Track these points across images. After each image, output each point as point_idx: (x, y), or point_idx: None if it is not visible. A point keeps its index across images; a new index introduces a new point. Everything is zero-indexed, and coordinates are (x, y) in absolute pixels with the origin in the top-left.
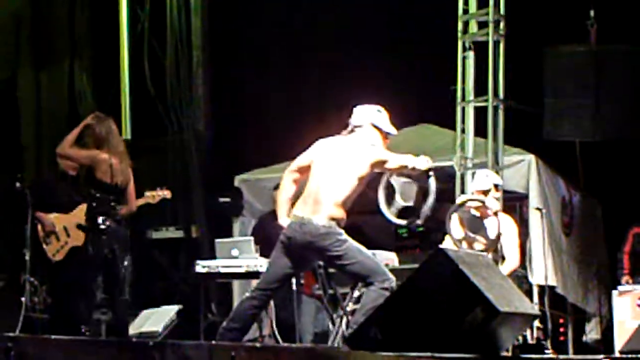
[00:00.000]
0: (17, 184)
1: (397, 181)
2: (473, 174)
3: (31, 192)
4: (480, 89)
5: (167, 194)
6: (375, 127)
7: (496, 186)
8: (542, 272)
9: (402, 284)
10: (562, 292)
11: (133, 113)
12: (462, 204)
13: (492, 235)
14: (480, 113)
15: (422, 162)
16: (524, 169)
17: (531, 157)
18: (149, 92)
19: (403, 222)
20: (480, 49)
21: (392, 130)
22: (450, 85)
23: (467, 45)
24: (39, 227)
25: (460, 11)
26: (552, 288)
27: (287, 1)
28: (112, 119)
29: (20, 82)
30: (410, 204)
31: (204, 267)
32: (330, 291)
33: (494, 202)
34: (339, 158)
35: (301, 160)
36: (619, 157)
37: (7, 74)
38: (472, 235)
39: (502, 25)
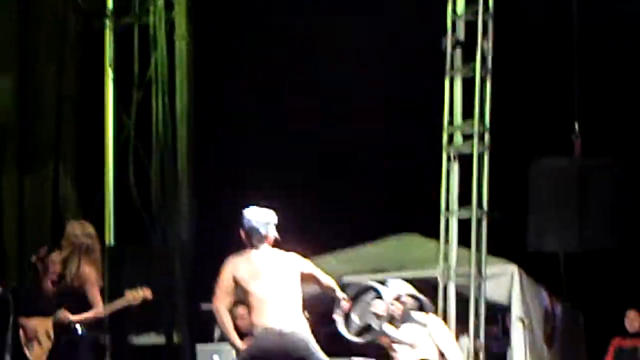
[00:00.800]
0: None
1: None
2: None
3: (13, 298)
4: (465, 200)
5: (147, 294)
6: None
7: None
8: None
9: None
10: None
11: (117, 220)
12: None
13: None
14: (464, 223)
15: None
16: (506, 280)
17: (514, 268)
18: (133, 201)
19: (363, 340)
20: (464, 160)
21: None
22: (434, 196)
23: (451, 156)
24: (22, 332)
25: (445, 122)
26: None
27: (270, 114)
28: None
29: (3, 187)
30: (368, 322)
31: None
32: None
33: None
34: (275, 271)
35: (225, 285)
36: (602, 268)
37: None
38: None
39: (486, 137)
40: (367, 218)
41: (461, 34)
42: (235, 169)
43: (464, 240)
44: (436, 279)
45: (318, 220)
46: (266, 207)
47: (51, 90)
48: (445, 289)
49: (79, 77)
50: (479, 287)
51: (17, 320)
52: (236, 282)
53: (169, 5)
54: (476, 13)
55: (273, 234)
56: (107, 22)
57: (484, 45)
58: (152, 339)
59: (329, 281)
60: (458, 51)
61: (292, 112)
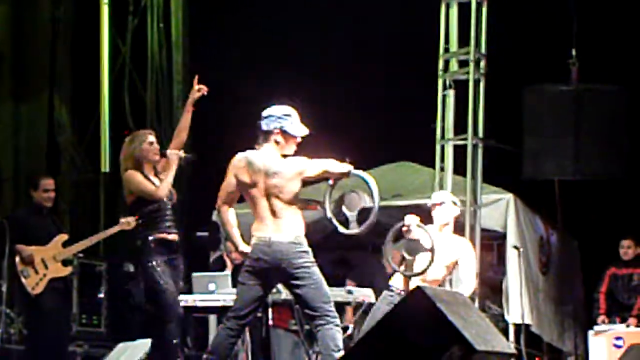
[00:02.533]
0: None
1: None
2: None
3: (9, 225)
4: (460, 128)
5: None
6: (285, 132)
7: (454, 202)
8: (519, 310)
9: (378, 322)
10: (537, 331)
11: (113, 146)
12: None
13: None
14: (460, 151)
15: (343, 166)
16: (502, 208)
17: (509, 196)
18: (128, 125)
19: (355, 230)
20: (460, 87)
21: (303, 131)
22: (430, 123)
23: (447, 83)
24: (17, 259)
25: (441, 50)
26: (528, 327)
27: (264, 38)
28: None
29: (1, 114)
30: (355, 212)
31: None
32: (307, 327)
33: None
34: (269, 174)
35: (227, 187)
36: (598, 196)
37: None
38: (409, 257)
39: (482, 64)
40: (362, 147)
41: None
42: (231, 92)
43: (459, 168)
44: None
45: (312, 149)
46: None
47: (46, 16)
48: None
49: (74, 3)
50: (474, 215)
51: (12, 247)
52: (237, 182)
53: None
54: None
55: (277, 129)
56: None
57: None
58: None
59: (336, 167)
60: None
61: (289, 33)
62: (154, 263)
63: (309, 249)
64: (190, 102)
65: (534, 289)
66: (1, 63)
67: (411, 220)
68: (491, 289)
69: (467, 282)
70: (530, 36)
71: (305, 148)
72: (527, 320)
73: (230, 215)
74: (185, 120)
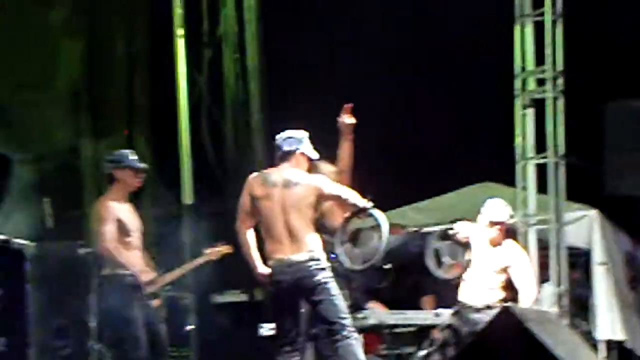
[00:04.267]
0: (80, 251)
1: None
2: (536, 230)
3: (96, 259)
4: (541, 146)
5: (227, 248)
6: (303, 154)
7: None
8: (608, 327)
9: (469, 343)
10: (630, 345)
11: (194, 177)
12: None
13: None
14: (541, 170)
15: (361, 200)
16: (586, 225)
17: (594, 212)
18: (207, 156)
19: (362, 266)
20: (539, 105)
21: (316, 155)
22: (511, 143)
23: (525, 102)
24: None
25: (517, 69)
26: (618, 343)
27: (339, 66)
28: None
29: (81, 151)
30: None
31: (268, 329)
32: (397, 351)
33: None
34: (288, 185)
35: (244, 205)
36: None
37: (69, 144)
38: (450, 262)
39: (560, 81)
40: (445, 169)
41: None
42: (308, 122)
43: (542, 187)
44: (515, 226)
45: (395, 173)
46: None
47: (122, 52)
48: (525, 236)
49: (150, 38)
50: (558, 233)
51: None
52: (253, 201)
53: None
54: None
55: (298, 150)
56: None
57: None
58: (234, 296)
59: (354, 199)
60: None
61: (361, 64)
62: None
63: (327, 264)
64: (347, 132)
65: (623, 304)
66: (79, 102)
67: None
68: (579, 306)
69: (525, 290)
70: (608, 51)
71: (390, 167)
72: (619, 336)
73: (248, 236)
74: (347, 148)
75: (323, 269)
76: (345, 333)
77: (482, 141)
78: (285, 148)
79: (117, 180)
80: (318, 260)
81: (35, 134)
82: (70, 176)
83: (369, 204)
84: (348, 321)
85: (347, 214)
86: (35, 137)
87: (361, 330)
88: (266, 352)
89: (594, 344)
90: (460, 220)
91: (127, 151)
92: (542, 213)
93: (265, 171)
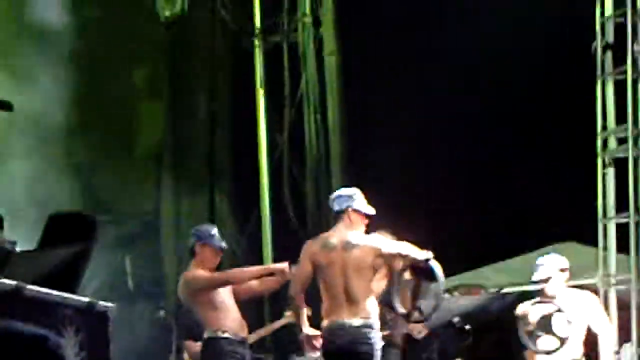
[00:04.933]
0: (161, 313)
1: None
2: (616, 290)
3: (176, 321)
4: (622, 205)
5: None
6: (356, 211)
7: (562, 270)
8: None
9: None
10: None
11: (274, 238)
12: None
13: (562, 333)
14: (622, 229)
15: (421, 252)
16: None
17: None
18: (289, 217)
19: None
20: (621, 164)
21: (371, 210)
22: (592, 202)
23: (606, 161)
24: (185, 356)
25: (599, 128)
26: None
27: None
28: None
29: (162, 211)
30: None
31: None
32: None
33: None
34: (348, 248)
35: (303, 273)
36: None
37: (151, 206)
38: (542, 334)
39: None
40: (524, 228)
41: (610, 36)
42: (388, 181)
43: (622, 246)
44: (596, 286)
45: (475, 233)
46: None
47: (204, 112)
48: (605, 295)
49: (231, 98)
50: (639, 293)
51: (181, 343)
52: (314, 267)
53: (316, 22)
54: (625, 14)
55: (350, 207)
56: (256, 41)
57: (635, 46)
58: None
59: (414, 253)
60: (608, 54)
61: (437, 120)
62: None
63: (379, 331)
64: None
65: None
66: (161, 164)
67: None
68: None
69: (606, 332)
70: None
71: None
72: None
73: (302, 301)
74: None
75: (374, 336)
76: None
77: (564, 200)
78: (336, 208)
79: (197, 255)
80: (372, 327)
81: (117, 196)
82: (151, 236)
83: (429, 254)
84: None
85: (404, 263)
86: (118, 199)
87: None
88: None
89: None
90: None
91: (212, 227)
92: (623, 273)
93: (323, 235)
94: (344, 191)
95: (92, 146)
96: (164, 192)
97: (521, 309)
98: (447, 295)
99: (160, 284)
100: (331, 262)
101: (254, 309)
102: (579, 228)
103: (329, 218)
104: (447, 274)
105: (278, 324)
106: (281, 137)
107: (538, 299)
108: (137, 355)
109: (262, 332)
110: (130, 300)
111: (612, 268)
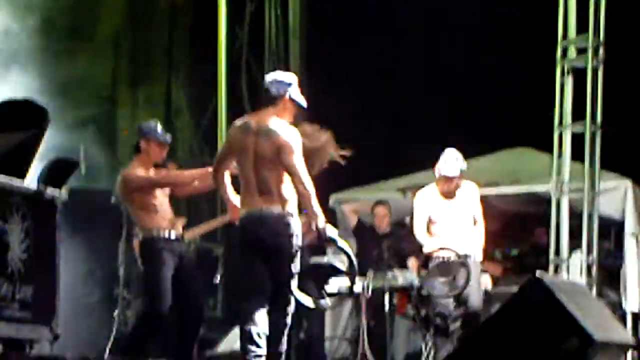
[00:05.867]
0: (112, 199)
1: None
2: (569, 198)
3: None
4: (579, 114)
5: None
6: (292, 100)
7: (461, 172)
8: (637, 299)
9: (497, 311)
10: None
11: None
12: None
13: (460, 281)
14: (578, 138)
15: (319, 215)
16: (620, 194)
17: (628, 183)
18: (245, 111)
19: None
20: (578, 73)
21: (304, 102)
22: (548, 110)
23: (565, 70)
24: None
25: (559, 36)
26: None
27: (382, 23)
28: None
29: (118, 100)
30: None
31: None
32: (423, 312)
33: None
34: (257, 139)
35: (223, 150)
36: None
37: (108, 93)
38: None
39: (601, 51)
40: (480, 132)
41: None
42: (348, 79)
43: (577, 155)
44: (549, 193)
45: (429, 134)
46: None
47: (164, 2)
48: (558, 203)
49: None
50: (592, 202)
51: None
52: (230, 148)
53: None
54: None
55: (289, 95)
56: None
57: None
58: None
59: (301, 189)
60: None
61: (402, 19)
62: None
63: (298, 224)
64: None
65: None
66: (119, 51)
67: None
68: (608, 276)
69: (481, 225)
70: None
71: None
72: None
73: (225, 178)
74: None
75: (293, 226)
76: (285, 310)
77: (520, 107)
78: (274, 92)
79: (142, 150)
80: (291, 216)
81: (74, 80)
82: (106, 123)
83: (323, 225)
84: (287, 301)
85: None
86: (75, 83)
87: (390, 289)
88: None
89: (622, 315)
90: (492, 184)
91: (155, 123)
92: (576, 181)
93: (249, 116)
94: (283, 75)
95: (52, 31)
96: (122, 79)
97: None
98: (400, 196)
99: (114, 170)
100: (245, 147)
101: (207, 200)
102: (536, 135)
103: None
104: (403, 173)
105: (215, 222)
106: (241, 30)
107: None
108: (88, 242)
109: (198, 230)
110: (83, 186)
111: (566, 176)
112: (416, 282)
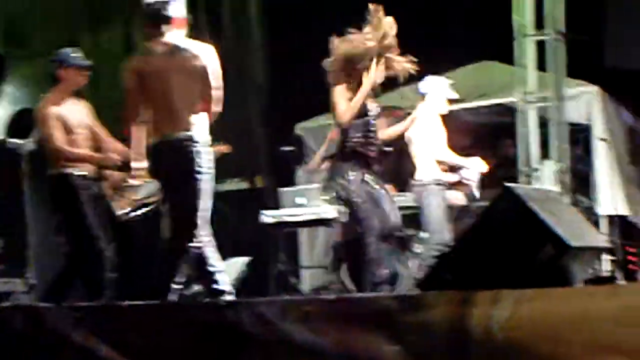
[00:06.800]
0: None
1: None
2: (536, 108)
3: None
4: (540, 22)
5: (225, 149)
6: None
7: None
8: (610, 202)
9: (469, 227)
10: (634, 219)
11: None
12: None
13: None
14: (542, 46)
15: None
16: (587, 100)
17: (594, 88)
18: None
19: None
20: None
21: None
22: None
23: None
24: (106, 184)
25: None
26: (620, 218)
27: None
28: None
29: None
30: None
31: (269, 216)
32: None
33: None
34: (169, 59)
35: (130, 90)
36: None
37: (68, 37)
38: None
39: None
40: (443, 47)
41: None
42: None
43: (541, 64)
44: (516, 104)
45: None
46: None
47: None
48: (525, 114)
49: None
50: (559, 110)
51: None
52: (139, 81)
53: None
54: None
55: (183, 14)
56: None
57: None
58: (234, 185)
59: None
60: None
61: None
62: None
63: (208, 146)
64: None
65: (625, 179)
66: None
67: None
68: (580, 182)
69: None
70: None
71: None
72: (621, 211)
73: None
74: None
75: (200, 152)
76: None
77: (478, 18)
78: (171, 11)
79: (62, 80)
80: (197, 141)
81: (31, 29)
82: None
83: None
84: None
85: None
86: (34, 32)
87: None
88: (269, 240)
89: (595, 220)
90: (459, 100)
91: (70, 49)
92: (542, 90)
93: (147, 45)
94: None
95: None
96: (81, 24)
97: None
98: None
99: None
100: (154, 70)
101: None
102: (501, 46)
103: (246, 37)
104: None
105: None
106: None
107: None
108: None
109: None
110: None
111: (531, 86)
112: None
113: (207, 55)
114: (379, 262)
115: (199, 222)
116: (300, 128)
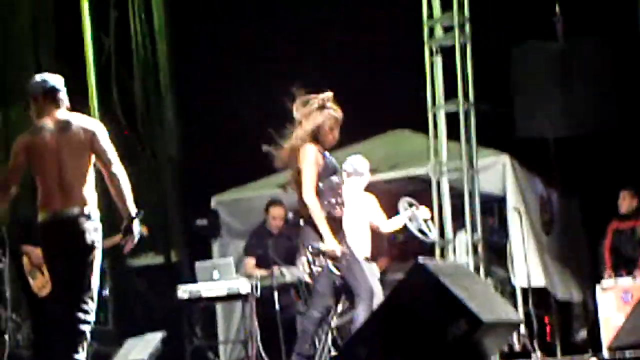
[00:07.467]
0: None
1: None
2: (449, 179)
3: (11, 227)
4: (451, 92)
5: (144, 231)
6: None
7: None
8: (525, 273)
9: (384, 300)
10: (551, 290)
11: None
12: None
13: None
14: (452, 117)
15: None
16: (499, 171)
17: (506, 158)
18: (119, 118)
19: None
20: (448, 52)
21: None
22: (420, 91)
23: (434, 50)
24: (26, 260)
25: (424, 16)
26: (535, 289)
27: (248, 19)
28: None
29: None
30: None
31: (185, 291)
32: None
33: None
34: (60, 135)
35: (14, 163)
36: (594, 151)
37: None
38: None
39: (467, 27)
40: (353, 118)
41: None
42: (216, 80)
43: (454, 134)
44: (428, 175)
45: None
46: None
47: (26, 17)
48: (438, 184)
49: (54, 2)
50: (472, 180)
51: (19, 248)
52: (27, 158)
53: None
54: None
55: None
56: None
57: None
58: (150, 259)
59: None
60: None
61: (270, 23)
62: None
63: (99, 221)
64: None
65: (540, 249)
66: None
67: None
68: (495, 253)
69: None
70: None
71: None
72: (535, 282)
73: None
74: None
75: (91, 227)
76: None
77: (392, 90)
78: (62, 92)
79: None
80: (89, 217)
81: None
82: None
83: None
84: (89, 306)
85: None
86: None
87: (279, 288)
88: (185, 315)
89: (512, 291)
90: (372, 171)
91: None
92: (455, 161)
93: (36, 123)
94: (57, 77)
95: None
96: None
97: None
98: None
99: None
100: (45, 147)
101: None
102: (410, 117)
103: (156, 117)
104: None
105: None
106: (107, 37)
107: None
108: None
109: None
110: None
111: (444, 156)
112: (304, 278)
113: (96, 130)
114: (307, 337)
115: (88, 297)
116: (216, 201)
